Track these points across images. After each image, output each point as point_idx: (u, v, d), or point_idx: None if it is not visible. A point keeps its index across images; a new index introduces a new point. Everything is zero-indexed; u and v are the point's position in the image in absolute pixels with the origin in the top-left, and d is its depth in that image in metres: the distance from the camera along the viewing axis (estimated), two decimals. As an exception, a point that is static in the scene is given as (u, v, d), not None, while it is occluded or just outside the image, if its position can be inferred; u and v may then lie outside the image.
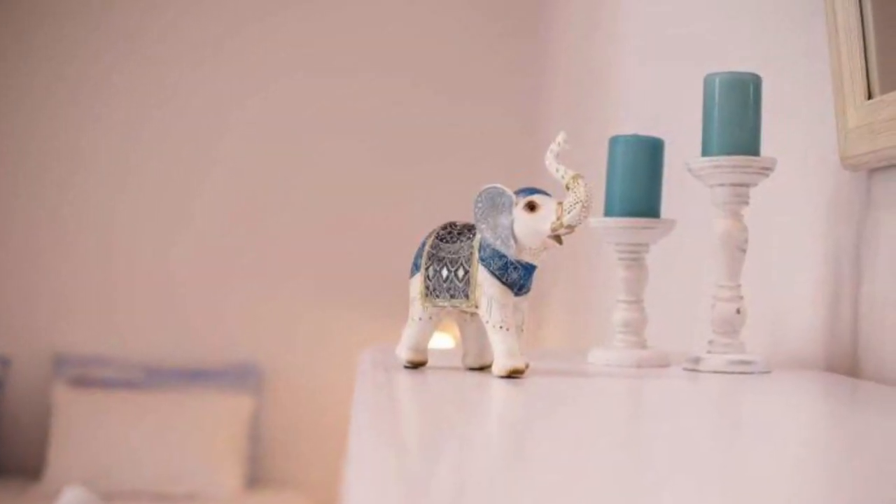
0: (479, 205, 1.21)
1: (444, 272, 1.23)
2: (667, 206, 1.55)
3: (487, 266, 1.19)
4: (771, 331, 1.78)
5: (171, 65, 5.06)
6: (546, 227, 1.15)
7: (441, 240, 1.26)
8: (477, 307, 1.20)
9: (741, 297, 1.38)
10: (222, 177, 5.05)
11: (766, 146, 1.41)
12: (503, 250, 1.17)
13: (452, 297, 1.23)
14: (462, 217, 1.36)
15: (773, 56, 1.83)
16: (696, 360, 1.38)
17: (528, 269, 1.20)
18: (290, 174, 5.08)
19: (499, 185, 1.21)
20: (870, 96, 1.36)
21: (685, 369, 1.40)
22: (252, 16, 5.08)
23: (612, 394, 1.25)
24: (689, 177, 1.43)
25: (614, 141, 1.52)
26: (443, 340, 4.46)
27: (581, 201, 1.14)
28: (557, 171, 1.19)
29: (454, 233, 1.26)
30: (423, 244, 1.28)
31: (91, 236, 4.95)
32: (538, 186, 1.24)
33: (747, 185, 1.36)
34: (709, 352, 1.38)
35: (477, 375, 1.26)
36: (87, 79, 5.00)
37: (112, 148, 5.00)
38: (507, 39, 5.15)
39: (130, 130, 5.01)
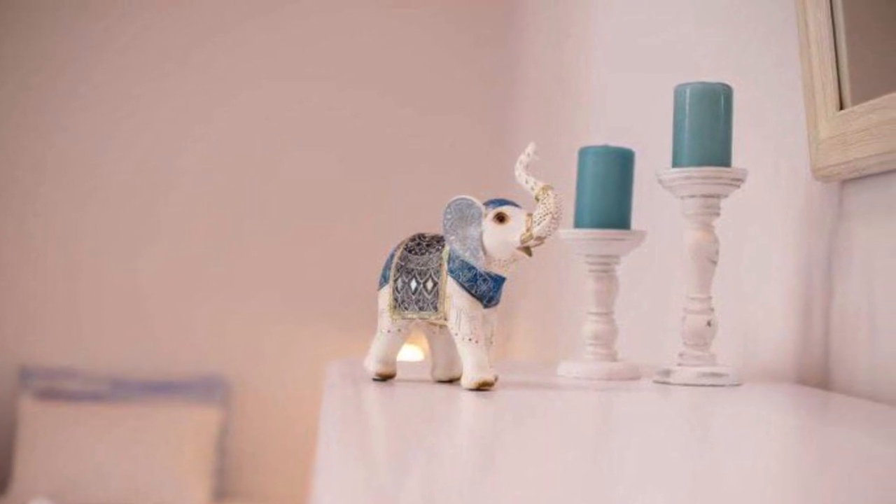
0: (448, 216, 1.20)
1: (413, 284, 1.22)
2: (637, 218, 1.55)
3: (456, 278, 1.18)
4: (742, 343, 1.78)
5: (138, 75, 5.04)
6: (515, 239, 1.15)
7: (410, 251, 1.25)
8: (446, 319, 1.19)
9: (712, 310, 1.38)
10: (189, 188, 5.04)
11: (738, 157, 1.41)
12: (472, 262, 1.17)
13: (421, 309, 1.22)
14: (431, 228, 1.35)
15: (745, 66, 1.83)
16: (667, 373, 1.37)
17: (498, 280, 1.19)
18: (257, 186, 5.07)
19: (468, 197, 1.20)
20: (841, 107, 1.35)
21: (655, 382, 1.39)
22: (219, 27, 5.08)
23: (581, 407, 1.24)
24: (659, 188, 1.42)
25: (584, 152, 1.52)
26: (411, 353, 4.45)
27: (551, 213, 1.13)
28: (527, 182, 1.18)
29: (423, 244, 1.25)
30: (392, 256, 1.27)
31: (57, 248, 4.92)
32: (508, 198, 1.24)
33: (718, 197, 1.36)
34: (679, 364, 1.37)
35: (446, 388, 1.25)
36: (53, 89, 4.97)
37: (78, 159, 4.98)
38: (476, 49, 5.17)
39: (97, 141, 4.99)
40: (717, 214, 1.37)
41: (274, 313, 5.02)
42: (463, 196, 1.21)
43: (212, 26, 5.08)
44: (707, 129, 1.36)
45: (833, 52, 1.38)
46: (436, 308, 1.20)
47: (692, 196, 1.35)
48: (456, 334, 1.18)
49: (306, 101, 5.11)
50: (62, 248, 4.92)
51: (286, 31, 5.12)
